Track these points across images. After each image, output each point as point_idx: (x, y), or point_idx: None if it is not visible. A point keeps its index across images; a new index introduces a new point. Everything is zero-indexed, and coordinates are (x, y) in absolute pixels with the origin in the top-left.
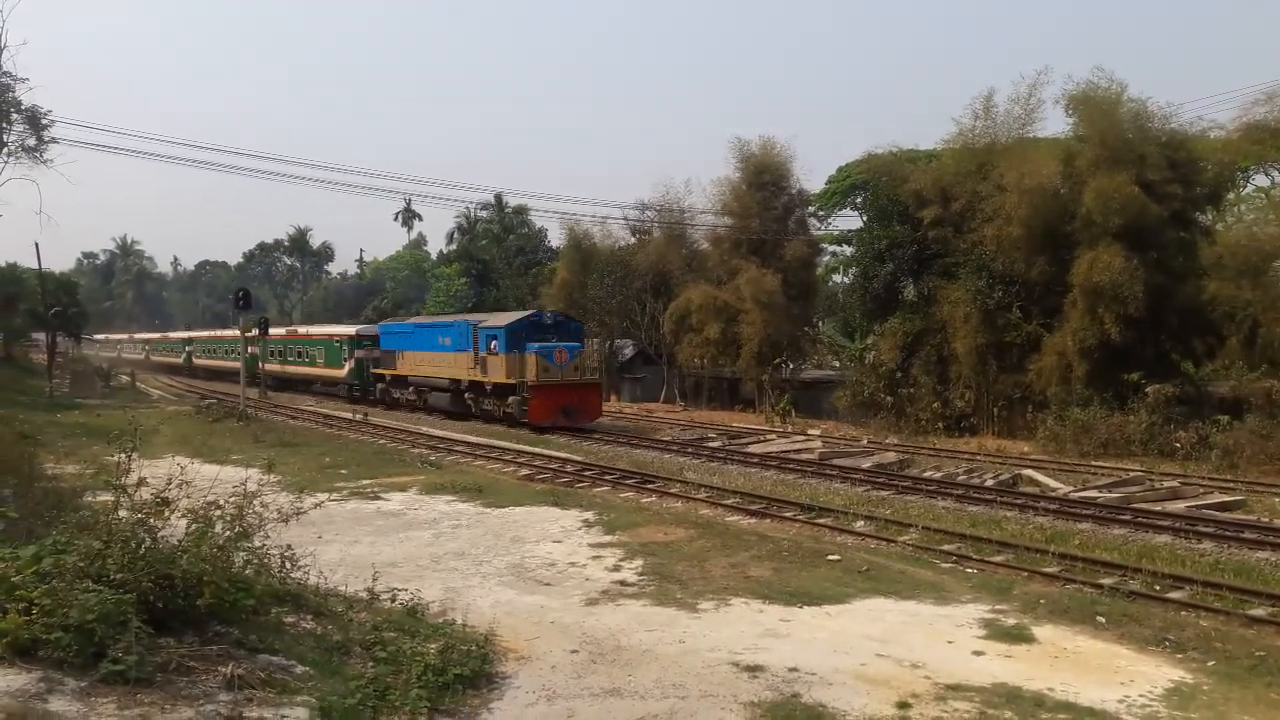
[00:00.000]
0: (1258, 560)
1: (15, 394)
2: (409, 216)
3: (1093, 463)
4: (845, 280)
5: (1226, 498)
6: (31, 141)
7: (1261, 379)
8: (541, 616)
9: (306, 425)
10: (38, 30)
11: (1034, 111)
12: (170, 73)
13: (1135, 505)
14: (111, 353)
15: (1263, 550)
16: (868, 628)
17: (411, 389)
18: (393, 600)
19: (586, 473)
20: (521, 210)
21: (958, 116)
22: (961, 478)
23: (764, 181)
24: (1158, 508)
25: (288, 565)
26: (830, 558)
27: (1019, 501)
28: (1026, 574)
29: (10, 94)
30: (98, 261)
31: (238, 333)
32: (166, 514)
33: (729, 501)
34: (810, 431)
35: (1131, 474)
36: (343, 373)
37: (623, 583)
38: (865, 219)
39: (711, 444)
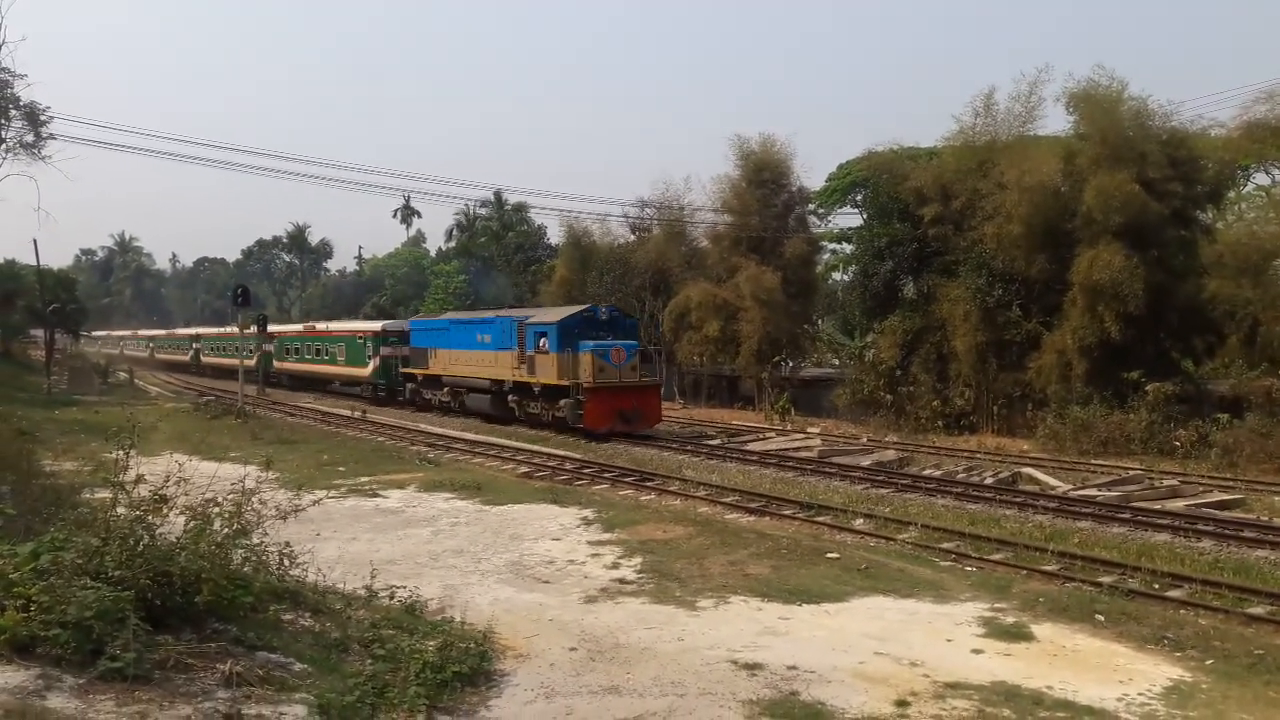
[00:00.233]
0: (1257, 559)
1: (13, 390)
2: (408, 214)
3: (1092, 461)
4: (845, 278)
5: (1226, 496)
6: (30, 138)
7: (1261, 377)
8: (540, 614)
9: (305, 422)
10: (40, 29)
11: (1035, 109)
12: (170, 72)
13: (1134, 504)
14: (114, 350)
15: (1262, 549)
16: (867, 626)
17: (446, 390)
18: (391, 598)
19: (585, 470)
20: (521, 208)
21: (958, 114)
22: (961, 476)
23: (764, 179)
24: (1157, 506)
25: (286, 562)
26: (829, 556)
27: (1018, 500)
28: (1025, 572)
29: (9, 90)
30: (96, 258)
31: (251, 329)
32: (164, 511)
33: (728, 499)
34: (809, 429)
35: (1131, 472)
36: (366, 371)
37: (621, 580)
38: (865, 217)
39: (710, 441)
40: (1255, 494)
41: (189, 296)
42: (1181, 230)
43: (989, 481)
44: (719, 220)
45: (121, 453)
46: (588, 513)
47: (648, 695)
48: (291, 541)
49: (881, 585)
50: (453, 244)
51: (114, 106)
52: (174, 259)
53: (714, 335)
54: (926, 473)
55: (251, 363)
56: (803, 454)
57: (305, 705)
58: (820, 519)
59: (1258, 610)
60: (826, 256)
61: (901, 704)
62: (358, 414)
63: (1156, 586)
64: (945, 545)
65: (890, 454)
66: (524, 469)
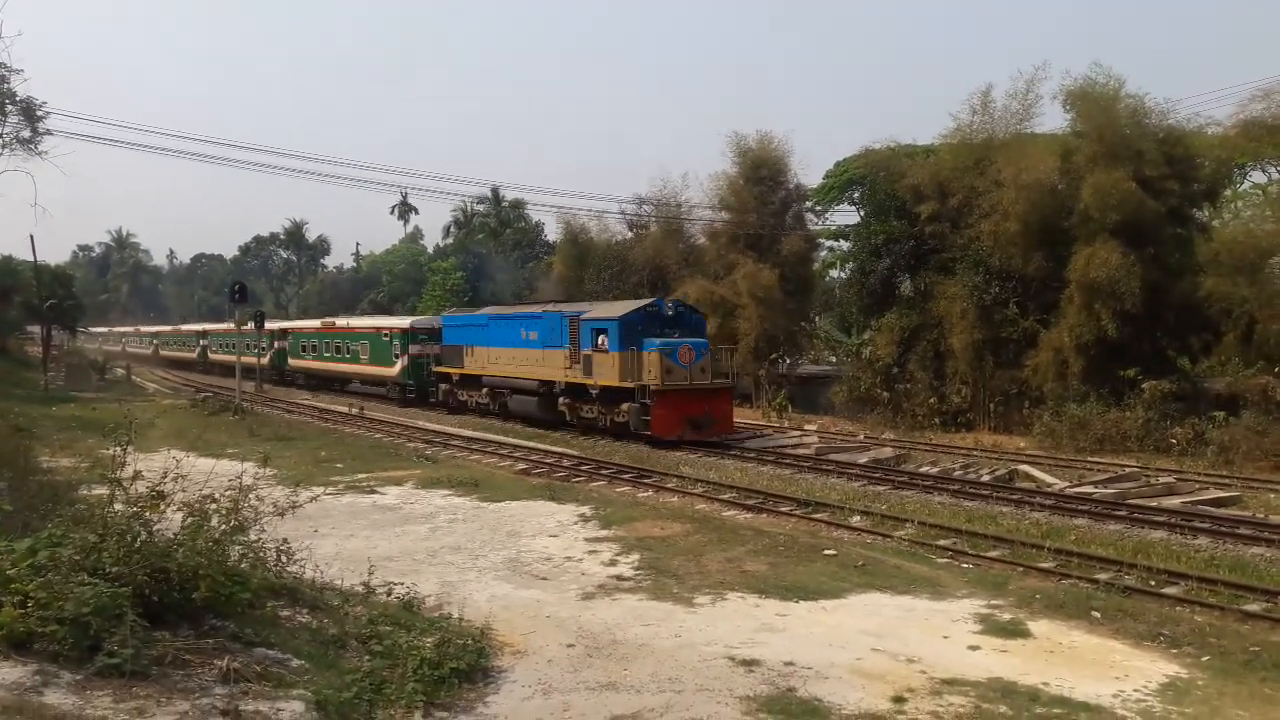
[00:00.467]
0: (1253, 556)
1: (10, 387)
2: (405, 210)
3: (1089, 458)
4: (842, 275)
5: (1222, 494)
6: (26, 133)
7: (1257, 375)
8: (538, 611)
9: (302, 419)
10: (39, 20)
11: (1032, 107)
12: (169, 71)
13: (1131, 501)
14: (115, 347)
15: (1257, 546)
16: (863, 622)
17: (485, 391)
18: (389, 594)
19: (583, 467)
20: (518, 204)
21: (955, 112)
22: (958, 473)
23: (761, 176)
24: (1153, 503)
25: (283, 559)
26: (826, 552)
27: (1015, 497)
28: (1022, 569)
29: (5, 85)
30: (93, 254)
31: (249, 325)
32: (162, 507)
33: (725, 496)
34: (807, 426)
35: (1127, 470)
36: (394, 371)
37: (619, 577)
38: (862, 214)
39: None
40: (1251, 491)
41: (186, 293)
42: (1178, 228)
43: (985, 479)
44: (716, 218)
45: (119, 449)
46: (585, 509)
47: (645, 691)
48: (289, 538)
49: (878, 582)
50: (450, 240)
51: (114, 105)
52: (171, 255)
53: (711, 332)
54: (923, 470)
55: (264, 360)
56: (800, 451)
57: (303, 701)
58: (817, 516)
59: (1253, 607)
60: (824, 254)
61: (898, 700)
62: (355, 411)
63: (1152, 583)
64: (942, 542)
65: (887, 451)
66: (521, 466)
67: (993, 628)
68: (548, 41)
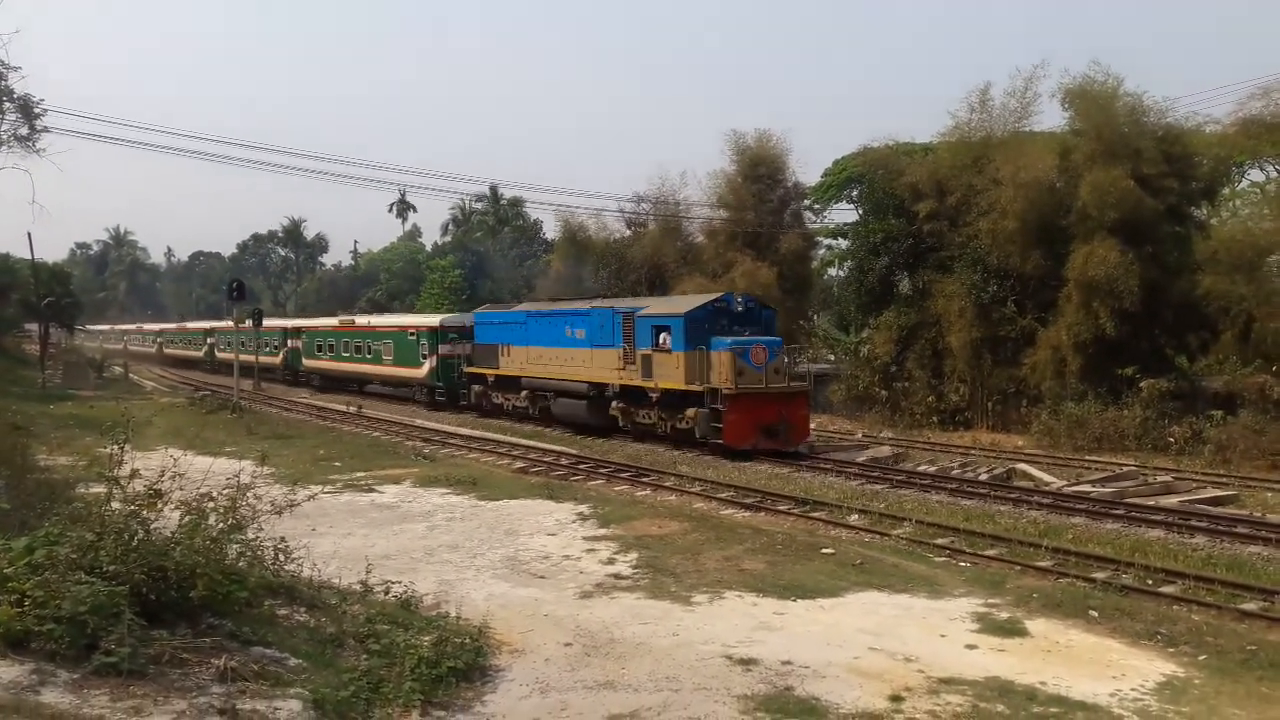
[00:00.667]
0: (1250, 555)
1: (8, 384)
2: (403, 208)
3: (1086, 457)
4: (840, 274)
5: (1219, 492)
6: (24, 131)
7: (1255, 374)
8: (535, 609)
9: (300, 417)
10: (37, 19)
11: (1030, 105)
12: (168, 69)
13: (1128, 500)
14: (117, 345)
15: (1255, 545)
16: (861, 621)
17: (524, 394)
18: (386, 593)
19: (581, 466)
20: (517, 202)
21: (954, 110)
22: (955, 472)
23: (759, 174)
24: (1151, 502)
25: (281, 557)
26: (824, 551)
27: (1013, 496)
28: (1020, 568)
29: (3, 82)
30: (91, 252)
31: (276, 324)
32: (159, 506)
33: (723, 495)
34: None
35: (1125, 468)
36: (421, 372)
37: (617, 576)
38: (861, 212)
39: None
40: (1248, 490)
41: (184, 290)
42: (1176, 226)
43: (983, 477)
44: (715, 215)
45: (116, 447)
46: (583, 508)
47: (642, 690)
48: (287, 536)
49: (876, 581)
50: (448, 238)
51: (115, 104)
52: (169, 253)
53: None
54: (921, 469)
55: (277, 360)
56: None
57: (300, 700)
58: (815, 514)
59: (1250, 606)
60: (822, 252)
61: (896, 699)
62: (354, 409)
63: (1150, 582)
64: (940, 541)
65: (885, 450)
66: (519, 464)
67: (990, 626)
68: (545, 50)
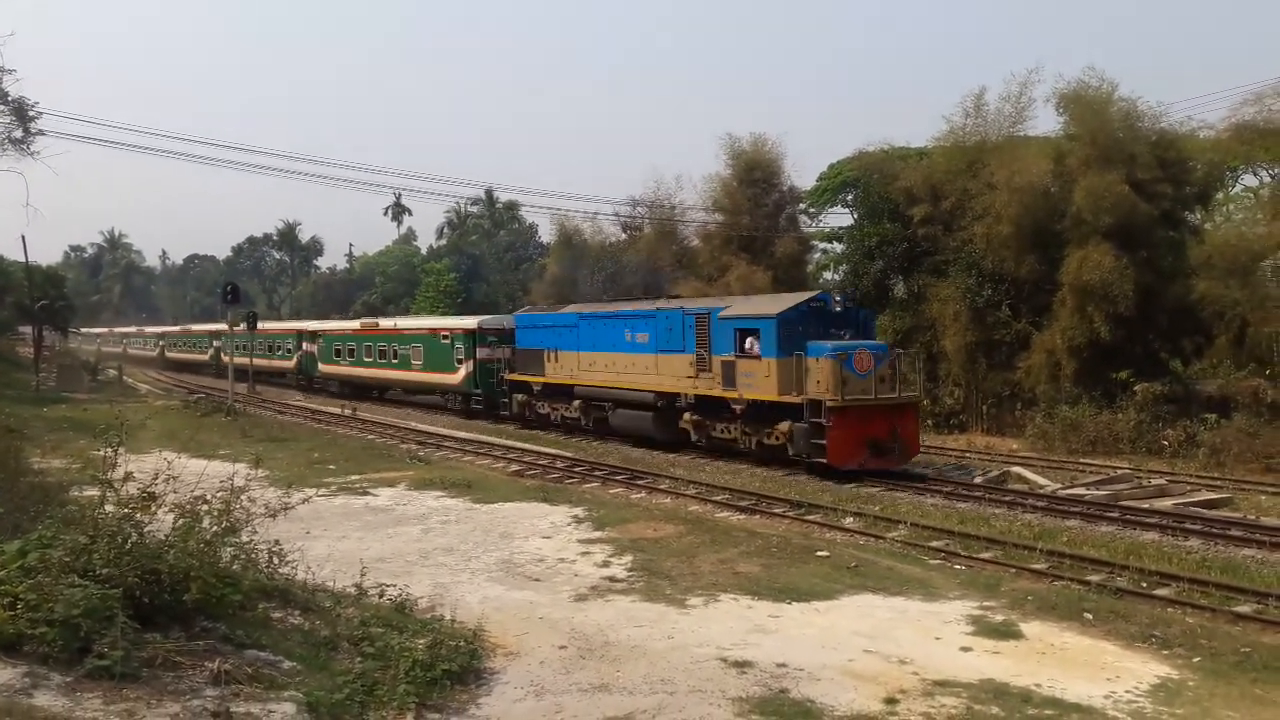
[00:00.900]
0: (1244, 557)
1: (1, 387)
2: (399, 211)
3: (1081, 460)
4: (836, 277)
5: (1213, 495)
6: (18, 133)
7: (1249, 378)
8: (530, 612)
9: (294, 420)
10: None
11: (1024, 110)
12: (166, 65)
13: (1123, 503)
14: (115, 348)
15: (1249, 547)
16: (856, 624)
17: (577, 404)
18: (381, 596)
19: (576, 469)
20: (512, 205)
21: (949, 114)
22: (950, 475)
23: (755, 178)
24: (1145, 505)
25: (275, 560)
26: (819, 554)
27: (1007, 498)
28: (1014, 571)
29: None
30: (85, 255)
31: (289, 327)
32: (153, 509)
33: (718, 498)
34: None
35: (1119, 472)
36: (455, 378)
37: (612, 579)
38: (856, 216)
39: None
40: (1242, 493)
41: (179, 294)
42: (1170, 231)
43: (978, 480)
44: (710, 219)
45: (110, 450)
46: (578, 511)
47: (637, 693)
48: (281, 539)
49: (871, 583)
50: (444, 242)
51: (102, 106)
52: (164, 256)
53: None
54: (915, 471)
55: (290, 365)
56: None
57: (294, 703)
58: (810, 517)
59: (1244, 608)
60: (817, 256)
61: (890, 702)
62: (348, 412)
63: (1144, 585)
64: (934, 544)
65: None
66: (515, 467)
67: (985, 629)
68: (544, 47)
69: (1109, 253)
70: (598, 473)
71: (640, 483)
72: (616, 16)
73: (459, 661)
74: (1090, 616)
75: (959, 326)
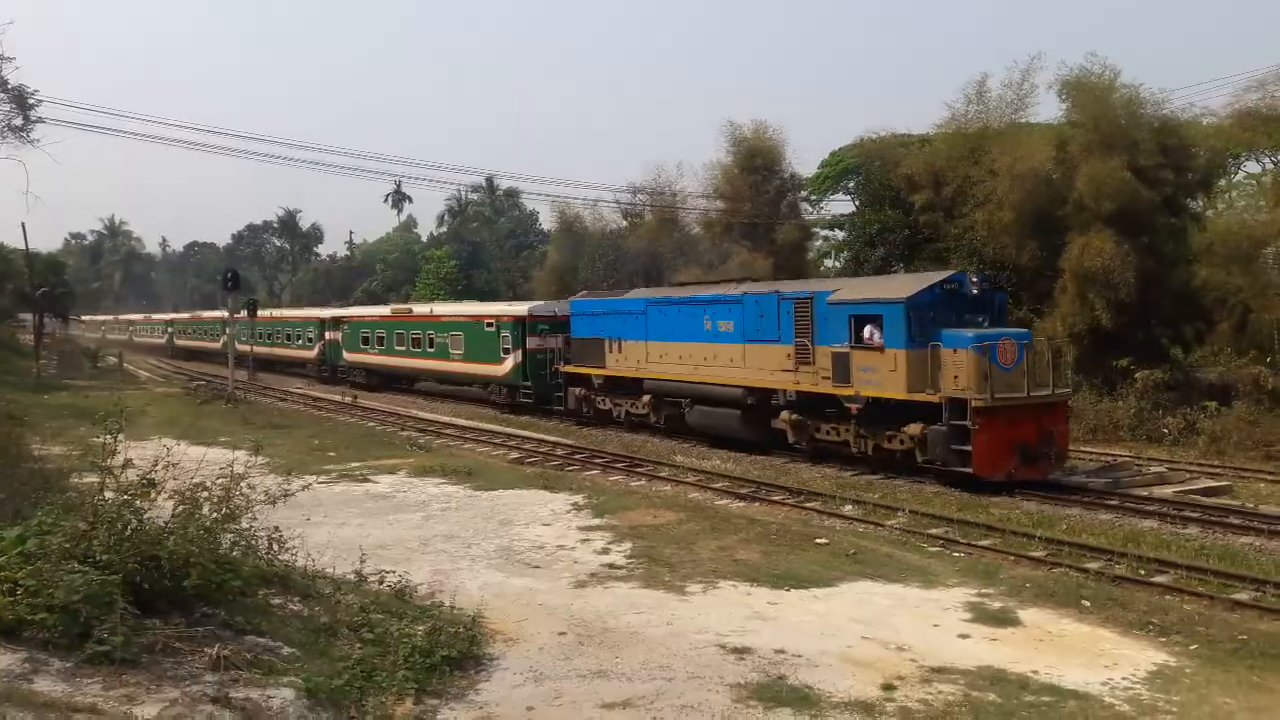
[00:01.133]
0: (1242, 545)
1: (2, 374)
2: (399, 199)
3: (1081, 448)
4: (837, 265)
5: (1213, 483)
6: (18, 121)
7: (1250, 365)
8: (530, 599)
9: (295, 407)
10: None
11: (1027, 97)
12: (163, 64)
13: (1122, 490)
14: (119, 335)
15: (1247, 535)
16: (854, 611)
17: (646, 399)
18: (381, 582)
19: (576, 456)
20: (513, 193)
21: (951, 101)
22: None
23: (756, 165)
24: (1144, 493)
25: (275, 547)
26: (818, 541)
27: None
28: (1013, 558)
29: None
30: (85, 242)
31: (310, 314)
32: (153, 495)
33: (718, 485)
34: None
35: (1119, 459)
36: (501, 370)
37: (611, 565)
38: (857, 203)
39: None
40: (1242, 481)
41: (179, 281)
42: (1172, 218)
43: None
44: (711, 207)
45: (110, 437)
46: (578, 498)
47: (636, 679)
48: (281, 526)
49: (869, 570)
50: (444, 229)
51: (103, 93)
52: (164, 243)
53: None
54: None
55: (312, 354)
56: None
57: (293, 688)
58: (809, 505)
59: (1242, 596)
60: (819, 243)
61: (888, 688)
62: (349, 399)
63: (1142, 572)
64: (933, 531)
65: None
66: (515, 454)
67: (983, 616)
68: (542, 42)
69: (1110, 239)
70: (598, 460)
71: (640, 470)
72: (616, 16)
73: (458, 647)
74: (1088, 604)
75: None
